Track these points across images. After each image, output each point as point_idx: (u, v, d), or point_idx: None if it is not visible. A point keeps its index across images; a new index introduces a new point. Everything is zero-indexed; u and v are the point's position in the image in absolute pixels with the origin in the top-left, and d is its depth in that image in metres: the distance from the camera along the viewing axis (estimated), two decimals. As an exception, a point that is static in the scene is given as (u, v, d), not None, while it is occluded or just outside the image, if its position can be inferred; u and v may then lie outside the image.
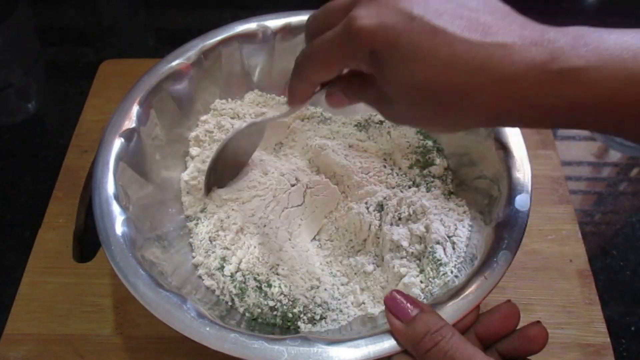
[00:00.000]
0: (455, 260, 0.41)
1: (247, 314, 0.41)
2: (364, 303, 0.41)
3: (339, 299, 0.42)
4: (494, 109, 0.29)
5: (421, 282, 0.40)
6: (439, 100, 0.30)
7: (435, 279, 0.40)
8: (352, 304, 0.42)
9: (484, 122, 0.31)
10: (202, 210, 0.46)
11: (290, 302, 0.40)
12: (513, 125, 0.30)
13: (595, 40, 0.28)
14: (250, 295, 0.41)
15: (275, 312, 0.40)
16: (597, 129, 0.30)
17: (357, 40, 0.30)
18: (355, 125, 0.51)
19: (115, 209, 0.39)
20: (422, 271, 0.41)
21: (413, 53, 0.29)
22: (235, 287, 0.41)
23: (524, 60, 0.28)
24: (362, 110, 0.52)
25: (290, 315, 0.40)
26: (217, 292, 0.42)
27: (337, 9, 0.33)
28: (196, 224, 0.45)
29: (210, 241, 0.44)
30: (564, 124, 0.30)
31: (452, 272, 0.40)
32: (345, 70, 0.36)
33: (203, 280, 0.43)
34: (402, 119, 0.35)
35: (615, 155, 0.60)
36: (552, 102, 0.28)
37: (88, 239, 0.51)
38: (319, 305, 0.41)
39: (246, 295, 0.41)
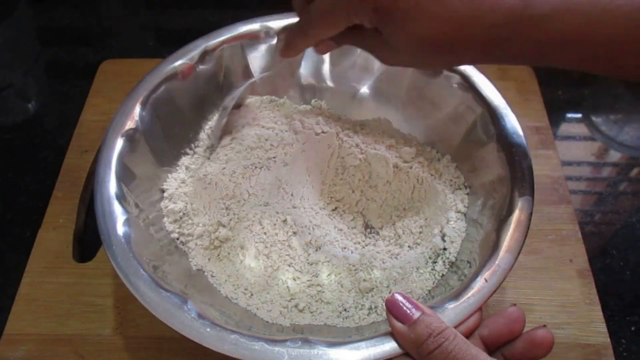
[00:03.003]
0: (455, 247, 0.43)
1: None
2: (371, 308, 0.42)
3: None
4: (481, 51, 0.35)
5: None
6: (437, 48, 0.35)
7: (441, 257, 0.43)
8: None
9: (470, 62, 0.40)
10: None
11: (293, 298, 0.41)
12: (495, 63, 0.37)
13: None
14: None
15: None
16: (568, 65, 0.35)
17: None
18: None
19: (117, 209, 0.39)
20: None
21: (414, 10, 0.34)
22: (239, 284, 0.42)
23: (502, 8, 0.33)
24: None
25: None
26: (222, 291, 0.42)
27: None
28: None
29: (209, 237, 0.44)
30: (538, 61, 0.36)
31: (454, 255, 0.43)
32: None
33: (205, 277, 0.43)
34: (398, 62, 0.39)
35: (615, 155, 0.60)
36: (528, 43, 0.33)
37: (88, 239, 0.51)
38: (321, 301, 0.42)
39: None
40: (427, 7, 0.34)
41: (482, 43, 0.34)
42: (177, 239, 0.44)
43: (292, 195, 0.46)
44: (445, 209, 0.45)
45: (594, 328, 0.45)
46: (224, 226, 0.44)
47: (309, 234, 0.44)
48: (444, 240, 0.44)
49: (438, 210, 0.46)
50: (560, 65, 0.35)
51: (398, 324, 0.33)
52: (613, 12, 0.31)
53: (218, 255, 0.44)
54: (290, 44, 0.42)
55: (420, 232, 0.45)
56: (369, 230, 0.46)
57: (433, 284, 0.42)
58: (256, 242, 0.43)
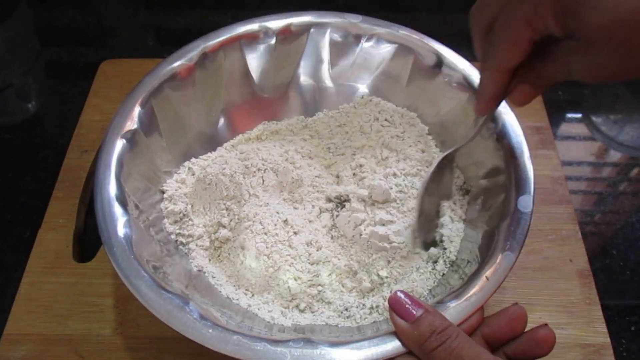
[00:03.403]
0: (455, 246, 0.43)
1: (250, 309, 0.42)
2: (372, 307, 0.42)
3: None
4: None
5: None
6: None
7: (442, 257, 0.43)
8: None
9: None
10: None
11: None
12: None
13: None
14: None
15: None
16: None
17: None
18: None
19: (117, 210, 0.39)
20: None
21: None
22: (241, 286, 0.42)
23: None
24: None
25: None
26: (223, 292, 0.42)
27: None
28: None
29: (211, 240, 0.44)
30: None
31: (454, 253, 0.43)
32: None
33: (206, 278, 0.43)
34: (601, 69, 0.32)
35: (615, 155, 0.60)
36: None
37: (88, 239, 0.51)
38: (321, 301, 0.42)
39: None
40: None
41: None
42: (177, 240, 0.44)
43: (294, 202, 0.46)
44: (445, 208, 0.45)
45: (594, 328, 0.45)
46: (224, 227, 0.44)
47: (310, 233, 0.44)
48: (443, 240, 0.44)
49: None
50: None
51: (401, 322, 0.33)
52: None
53: (218, 256, 0.44)
54: (481, 89, 0.35)
55: None
56: None
57: (434, 283, 0.42)
58: (257, 243, 0.43)
